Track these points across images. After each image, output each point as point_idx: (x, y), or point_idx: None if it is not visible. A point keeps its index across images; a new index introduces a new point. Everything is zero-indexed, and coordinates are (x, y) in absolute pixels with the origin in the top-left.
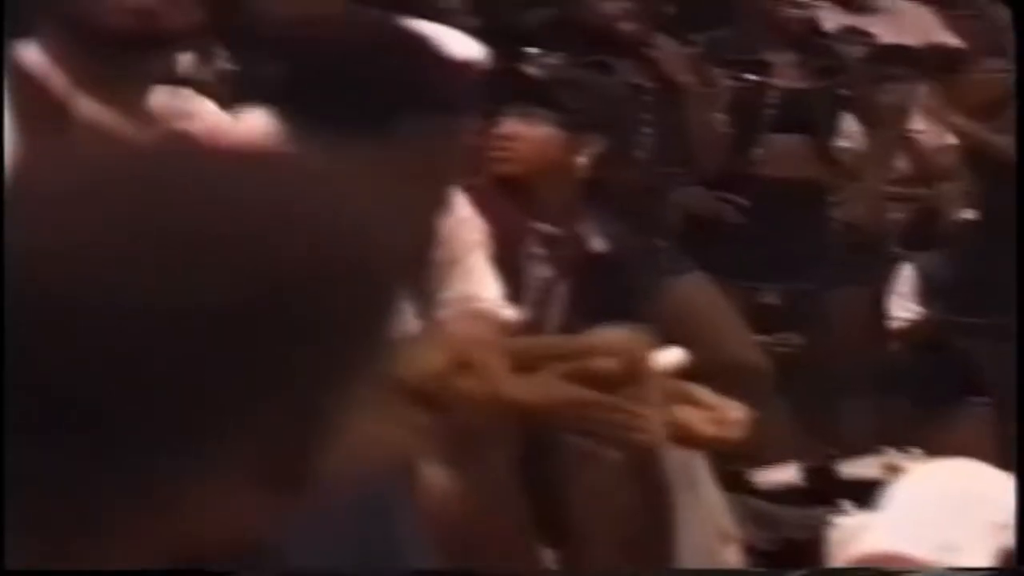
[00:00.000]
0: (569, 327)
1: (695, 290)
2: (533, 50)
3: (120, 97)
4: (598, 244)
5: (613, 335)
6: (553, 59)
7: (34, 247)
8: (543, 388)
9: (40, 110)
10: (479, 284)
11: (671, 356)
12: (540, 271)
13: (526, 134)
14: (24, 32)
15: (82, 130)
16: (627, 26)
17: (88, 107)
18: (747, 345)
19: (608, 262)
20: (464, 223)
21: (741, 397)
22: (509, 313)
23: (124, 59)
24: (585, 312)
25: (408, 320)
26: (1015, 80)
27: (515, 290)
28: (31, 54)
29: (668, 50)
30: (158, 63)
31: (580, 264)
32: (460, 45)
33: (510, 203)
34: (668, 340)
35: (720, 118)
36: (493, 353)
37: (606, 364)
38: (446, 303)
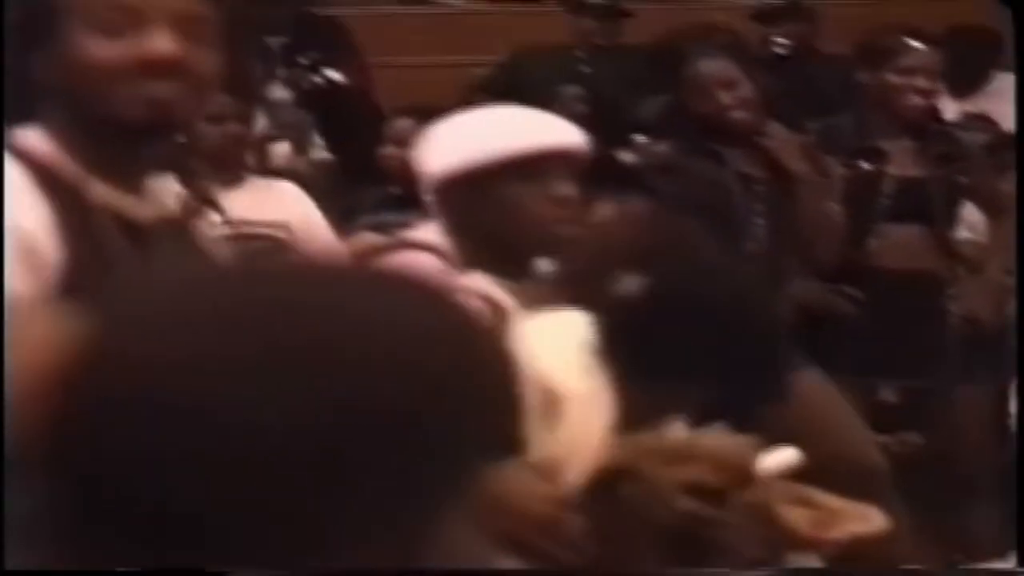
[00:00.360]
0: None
1: (810, 387)
2: (642, 138)
3: (132, 181)
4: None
5: (720, 441)
6: (661, 146)
7: (143, 363)
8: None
9: (54, 193)
10: None
11: (783, 456)
12: None
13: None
14: (27, 116)
15: (99, 214)
16: (740, 114)
17: (101, 191)
18: (866, 444)
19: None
20: None
21: (860, 498)
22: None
23: (137, 145)
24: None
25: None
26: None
27: None
28: (36, 139)
29: (781, 138)
30: (170, 147)
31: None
32: (564, 133)
33: None
34: (782, 438)
35: (835, 208)
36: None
37: (715, 477)
38: None
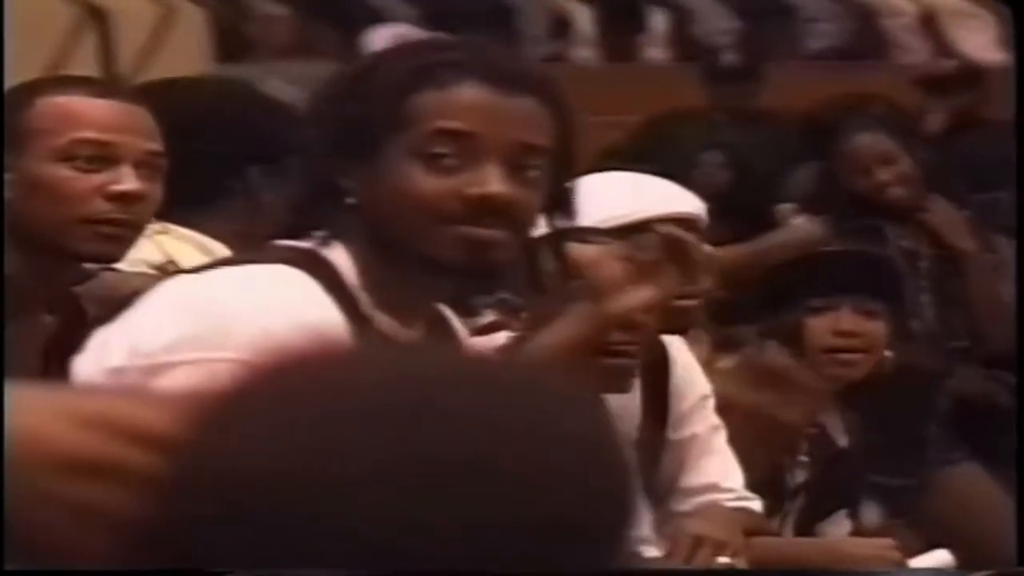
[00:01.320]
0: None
1: (970, 482)
2: (788, 207)
3: (414, 317)
4: (842, 439)
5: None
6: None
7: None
8: None
9: (349, 317)
10: (722, 472)
11: (936, 560)
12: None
13: (868, 331)
14: (329, 226)
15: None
16: (898, 191)
17: (384, 322)
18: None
19: (851, 456)
20: (710, 402)
21: None
22: (755, 505)
23: (436, 283)
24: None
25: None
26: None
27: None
28: (339, 254)
29: (944, 212)
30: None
31: (826, 458)
32: (684, 202)
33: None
34: (942, 537)
35: (1006, 287)
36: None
37: None
38: (686, 491)
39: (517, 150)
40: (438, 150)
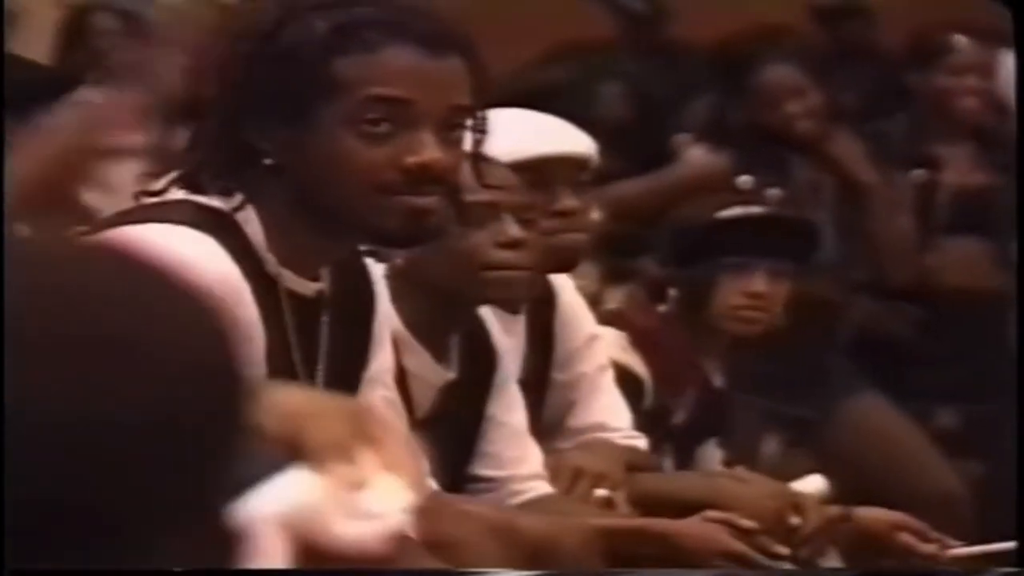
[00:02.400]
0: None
1: (872, 412)
2: (685, 136)
3: (320, 267)
4: (719, 380)
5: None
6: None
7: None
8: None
9: (253, 278)
10: (610, 411)
11: (813, 484)
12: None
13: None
14: (239, 185)
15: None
16: (806, 124)
17: (289, 278)
18: (940, 470)
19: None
20: (598, 342)
21: (945, 524)
22: (641, 443)
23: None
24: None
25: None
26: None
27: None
28: (249, 215)
29: (847, 145)
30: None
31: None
32: (575, 139)
33: (679, 341)
34: (840, 468)
35: (905, 219)
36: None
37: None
38: (574, 431)
39: (448, 113)
40: (372, 117)
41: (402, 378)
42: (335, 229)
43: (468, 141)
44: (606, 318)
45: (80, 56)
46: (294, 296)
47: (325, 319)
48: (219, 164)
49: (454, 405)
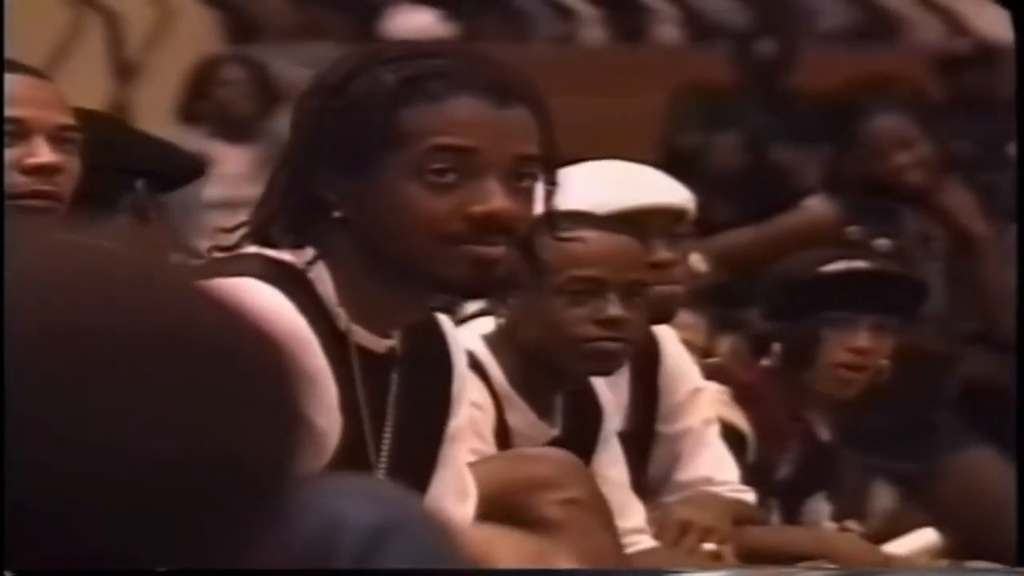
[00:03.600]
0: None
1: (980, 467)
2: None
3: (393, 326)
4: (824, 433)
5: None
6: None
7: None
8: None
9: (324, 334)
10: (716, 465)
11: (923, 539)
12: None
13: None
14: (306, 238)
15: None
16: (916, 176)
17: (361, 335)
18: None
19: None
20: (703, 394)
21: None
22: (748, 497)
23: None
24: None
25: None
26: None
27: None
28: (319, 269)
29: (959, 196)
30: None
31: (810, 452)
32: (671, 190)
33: (782, 395)
34: (950, 522)
35: (1014, 272)
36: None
37: None
38: (680, 485)
39: (514, 162)
40: (437, 167)
41: (504, 434)
42: (403, 281)
43: (540, 193)
44: (708, 372)
45: (204, 105)
46: (364, 352)
47: (395, 375)
48: (289, 217)
49: None
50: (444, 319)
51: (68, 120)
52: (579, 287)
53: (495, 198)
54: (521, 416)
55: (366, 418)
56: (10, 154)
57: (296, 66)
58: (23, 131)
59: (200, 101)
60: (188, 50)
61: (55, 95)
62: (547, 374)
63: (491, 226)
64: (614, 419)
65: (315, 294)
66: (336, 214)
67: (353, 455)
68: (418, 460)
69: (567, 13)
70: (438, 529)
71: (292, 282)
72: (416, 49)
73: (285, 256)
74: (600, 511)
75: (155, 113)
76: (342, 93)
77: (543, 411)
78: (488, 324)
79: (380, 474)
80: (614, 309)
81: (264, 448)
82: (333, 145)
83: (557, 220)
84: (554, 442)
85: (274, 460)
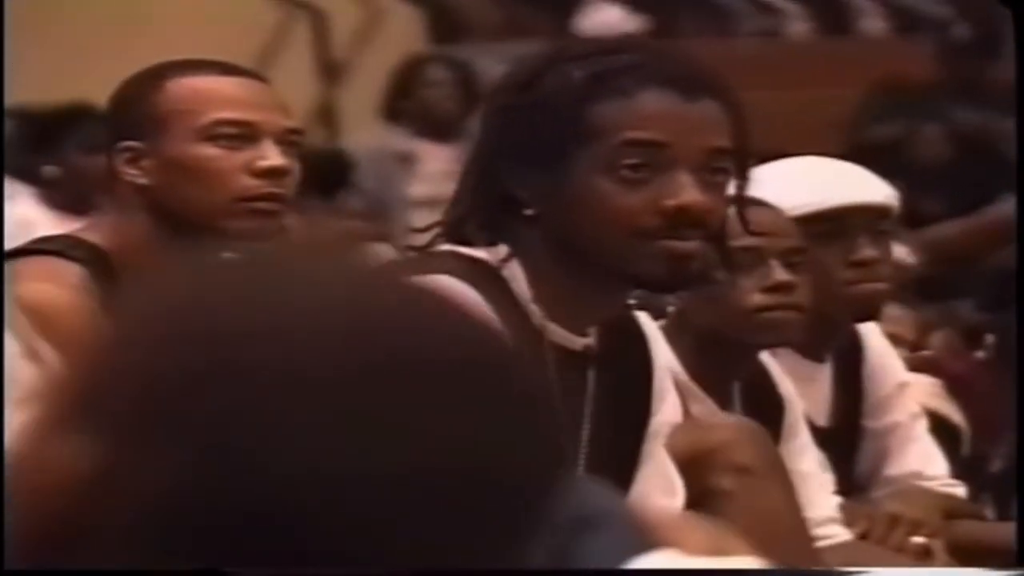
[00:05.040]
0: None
1: None
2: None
3: (589, 324)
4: None
5: None
6: None
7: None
8: None
9: (519, 331)
10: (925, 459)
11: None
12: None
13: None
14: (495, 234)
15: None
16: None
17: (557, 333)
18: None
19: None
20: (909, 389)
21: None
22: (959, 491)
23: (622, 295)
24: None
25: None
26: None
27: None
28: (513, 267)
29: None
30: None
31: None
32: (874, 188)
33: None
34: None
35: None
36: None
37: None
38: (890, 480)
39: (705, 156)
40: (629, 162)
41: None
42: (597, 277)
43: (732, 186)
44: (920, 365)
45: (408, 104)
46: (560, 350)
47: (592, 374)
48: (481, 216)
49: None
50: (642, 316)
51: (293, 124)
52: (741, 259)
53: (687, 192)
54: (703, 406)
55: (562, 414)
56: (239, 157)
57: (499, 64)
58: (253, 134)
59: (405, 100)
60: (394, 50)
61: (278, 98)
62: (722, 362)
63: (684, 220)
64: (796, 408)
65: (509, 291)
66: (528, 211)
67: None
68: (618, 458)
69: (770, 8)
70: (636, 523)
71: (486, 279)
72: (603, 45)
73: (479, 253)
74: (775, 478)
75: (360, 113)
76: (531, 90)
77: (723, 401)
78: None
79: (579, 473)
80: (779, 274)
81: (524, 460)
82: (523, 142)
83: (750, 213)
84: None
85: (534, 470)
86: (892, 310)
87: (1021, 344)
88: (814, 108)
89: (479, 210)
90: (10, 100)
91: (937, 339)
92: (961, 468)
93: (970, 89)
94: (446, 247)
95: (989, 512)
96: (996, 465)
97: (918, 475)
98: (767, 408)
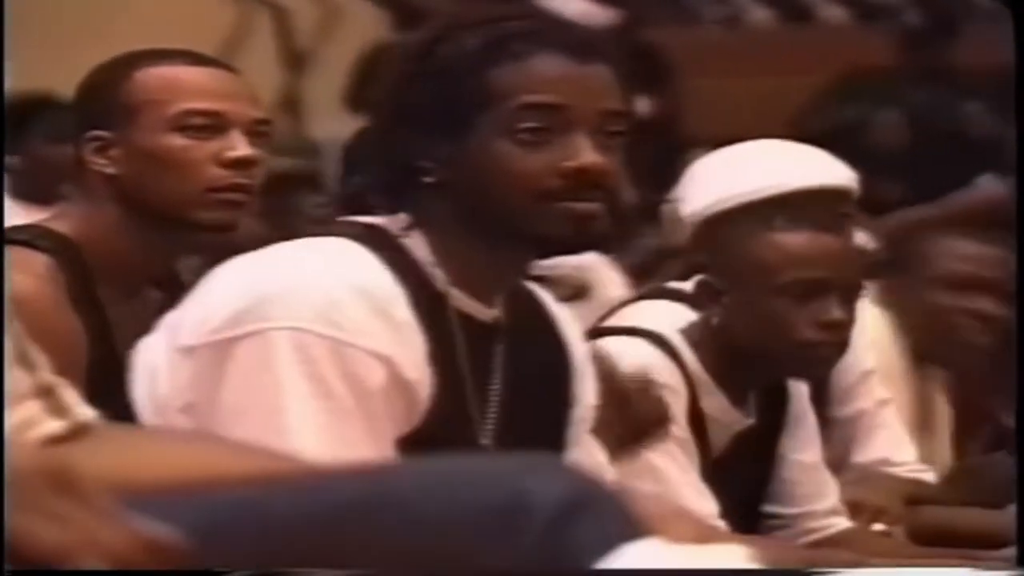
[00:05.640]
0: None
1: None
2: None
3: (494, 294)
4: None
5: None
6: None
7: None
8: None
9: (422, 294)
10: (893, 445)
11: None
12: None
13: None
14: (399, 203)
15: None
16: None
17: (462, 300)
18: None
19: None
20: (873, 377)
21: None
22: (927, 476)
23: (526, 261)
24: None
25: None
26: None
27: None
28: (413, 233)
29: None
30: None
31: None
32: (834, 170)
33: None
34: None
35: None
36: None
37: None
38: (857, 467)
39: (602, 118)
40: (528, 125)
41: (698, 420)
42: (500, 241)
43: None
44: None
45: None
46: (468, 319)
47: (501, 347)
48: (383, 185)
49: (748, 445)
50: (540, 292)
51: (261, 114)
52: (803, 289)
53: (586, 153)
54: (716, 402)
55: (469, 383)
56: (208, 147)
57: None
58: (222, 124)
59: (368, 89)
60: (357, 40)
61: (247, 88)
62: (752, 372)
63: (584, 181)
64: (803, 399)
65: (409, 256)
66: (429, 179)
67: (456, 418)
68: (532, 437)
69: None
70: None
71: (384, 245)
72: (496, 13)
73: (377, 220)
74: None
75: (325, 102)
76: (428, 59)
77: (738, 400)
78: (674, 314)
79: (485, 442)
80: (838, 312)
81: None
82: (422, 111)
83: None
84: (748, 429)
85: None
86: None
87: (1021, 344)
88: (775, 96)
89: (381, 180)
90: None
91: None
92: None
93: (930, 74)
94: (346, 218)
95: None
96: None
97: (885, 461)
98: (776, 402)
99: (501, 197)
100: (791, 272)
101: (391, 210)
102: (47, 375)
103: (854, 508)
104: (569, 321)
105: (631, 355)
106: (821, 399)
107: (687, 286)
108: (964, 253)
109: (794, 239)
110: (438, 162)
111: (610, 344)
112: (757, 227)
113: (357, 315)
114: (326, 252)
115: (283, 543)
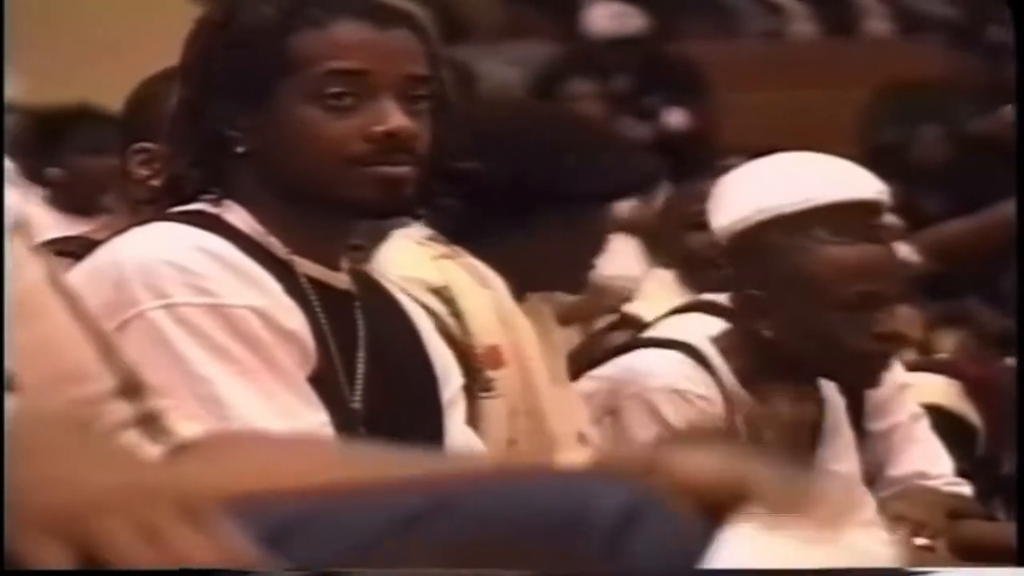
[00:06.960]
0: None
1: None
2: None
3: (332, 257)
4: None
5: None
6: None
7: None
8: None
9: (264, 264)
10: (929, 458)
11: None
12: None
13: None
14: (218, 181)
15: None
16: None
17: (308, 267)
18: None
19: None
20: (909, 390)
21: None
22: (964, 490)
23: (349, 224)
24: None
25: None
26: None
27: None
28: (244, 218)
29: None
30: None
31: None
32: (865, 183)
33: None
34: None
35: None
36: None
37: None
38: (894, 480)
39: (406, 82)
40: (333, 90)
41: (731, 429)
42: (316, 207)
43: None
44: (938, 367)
45: None
46: (323, 286)
47: (360, 313)
48: (192, 159)
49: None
50: (377, 271)
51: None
52: (860, 301)
53: (393, 117)
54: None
55: (334, 346)
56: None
57: (503, 66)
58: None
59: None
60: None
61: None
62: (787, 378)
63: (392, 145)
64: (838, 410)
65: (239, 230)
66: (239, 149)
67: (327, 382)
68: (400, 400)
69: (775, 8)
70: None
71: (212, 225)
72: None
73: (196, 206)
74: None
75: None
76: (227, 29)
77: (766, 403)
78: (702, 322)
79: (355, 408)
80: (893, 323)
81: None
82: (226, 82)
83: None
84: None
85: None
86: (898, 309)
87: (1021, 344)
88: (819, 109)
89: (190, 154)
90: (11, 101)
91: (950, 340)
92: (974, 469)
93: (976, 89)
94: (170, 210)
95: (1000, 512)
96: (1007, 467)
97: (922, 475)
98: (807, 409)
99: (310, 163)
100: (850, 285)
101: (207, 186)
102: (153, 402)
103: (895, 522)
104: (402, 292)
105: (666, 367)
106: (856, 412)
107: (722, 298)
108: None
109: (847, 252)
110: (247, 132)
111: (646, 356)
112: (799, 240)
113: (216, 275)
114: (157, 232)
115: (349, 552)
